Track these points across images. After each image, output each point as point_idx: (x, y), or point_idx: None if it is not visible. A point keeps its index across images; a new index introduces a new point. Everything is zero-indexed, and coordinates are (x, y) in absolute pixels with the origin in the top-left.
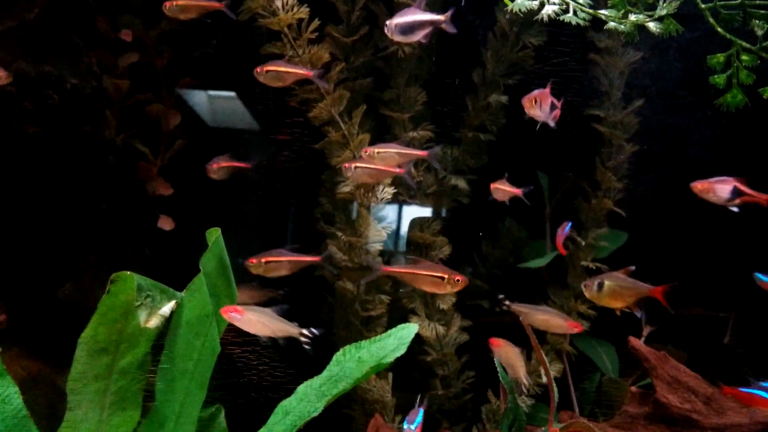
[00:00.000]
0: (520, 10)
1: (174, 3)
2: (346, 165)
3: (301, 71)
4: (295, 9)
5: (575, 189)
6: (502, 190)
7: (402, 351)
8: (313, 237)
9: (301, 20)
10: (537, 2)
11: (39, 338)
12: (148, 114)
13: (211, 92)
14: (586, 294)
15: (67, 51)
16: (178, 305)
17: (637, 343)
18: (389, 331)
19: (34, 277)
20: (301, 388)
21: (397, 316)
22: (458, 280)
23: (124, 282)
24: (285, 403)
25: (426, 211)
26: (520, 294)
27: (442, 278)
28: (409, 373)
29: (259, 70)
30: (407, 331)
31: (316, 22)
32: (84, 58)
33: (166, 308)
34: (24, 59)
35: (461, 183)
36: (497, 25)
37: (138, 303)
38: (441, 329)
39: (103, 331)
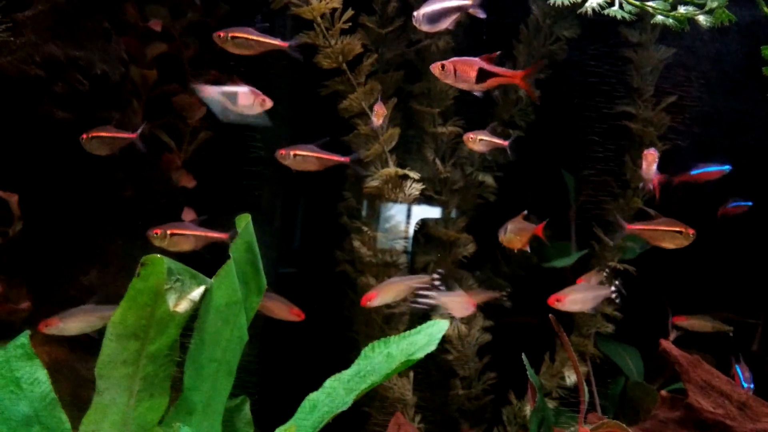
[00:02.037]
0: (560, 2)
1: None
2: (283, 151)
3: (274, 41)
4: None
5: (602, 188)
6: (485, 141)
7: (432, 348)
8: (336, 230)
9: (334, 10)
10: None
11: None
12: (174, 105)
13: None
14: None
15: (97, 37)
16: (208, 291)
17: (669, 345)
18: (419, 327)
19: (60, 264)
20: (328, 382)
21: (419, 313)
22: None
23: (154, 265)
24: (312, 397)
25: (434, 212)
26: (543, 294)
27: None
28: (429, 372)
29: (221, 34)
30: (437, 327)
31: (349, 12)
32: (114, 45)
33: (196, 293)
34: (54, 43)
35: (488, 179)
36: (530, 16)
37: (167, 286)
38: (463, 328)
39: (133, 315)
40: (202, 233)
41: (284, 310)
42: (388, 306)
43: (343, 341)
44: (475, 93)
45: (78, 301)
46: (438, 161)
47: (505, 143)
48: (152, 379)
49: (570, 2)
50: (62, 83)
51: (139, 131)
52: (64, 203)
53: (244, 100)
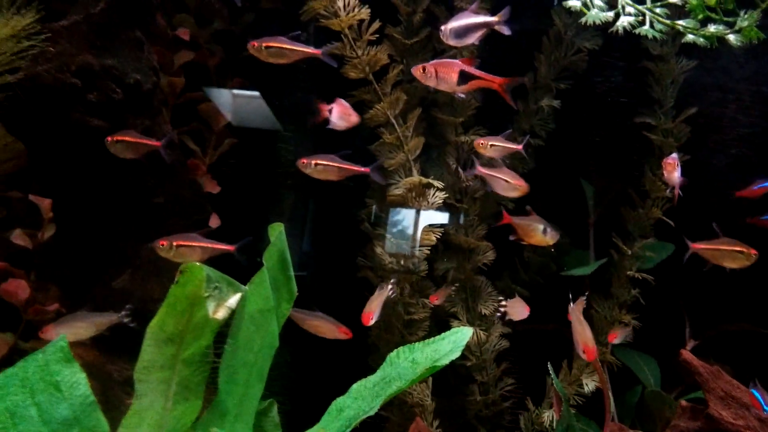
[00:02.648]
0: (592, 21)
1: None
2: (304, 161)
3: (308, 49)
4: (356, 10)
5: (621, 197)
6: (497, 146)
7: (456, 354)
8: (357, 237)
9: (361, 21)
10: (612, 14)
11: (129, 325)
12: (199, 112)
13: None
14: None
15: (130, 46)
16: (242, 298)
17: (689, 356)
18: (443, 334)
19: (92, 268)
20: (354, 386)
21: (438, 319)
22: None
23: (192, 272)
24: (339, 401)
25: (442, 217)
26: (562, 302)
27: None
28: (447, 377)
29: (255, 44)
30: (461, 334)
31: (376, 24)
32: (146, 54)
33: (233, 300)
34: (89, 52)
35: None
36: (552, 28)
37: (207, 294)
38: (482, 335)
39: (170, 321)
40: (209, 245)
41: (332, 330)
42: (408, 311)
43: (363, 346)
44: (458, 95)
45: (109, 305)
46: (460, 170)
47: (519, 147)
48: (187, 382)
49: (601, 21)
50: (96, 92)
51: (165, 140)
52: (97, 209)
53: (334, 114)
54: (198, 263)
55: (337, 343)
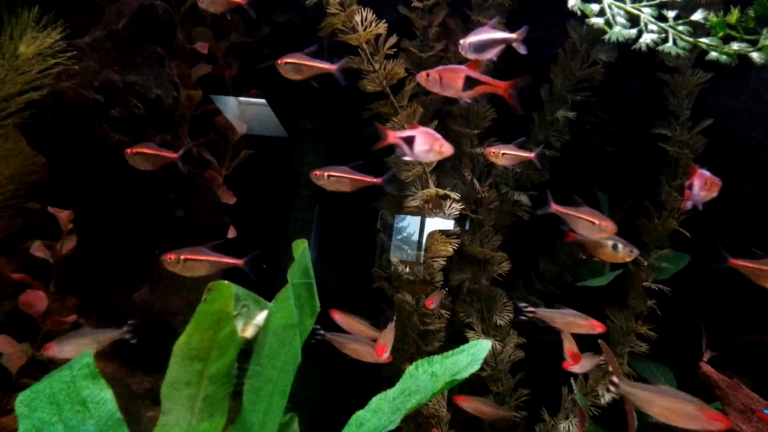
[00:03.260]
0: (615, 38)
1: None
2: (317, 172)
3: (324, 65)
4: (373, 25)
5: (637, 208)
6: (509, 155)
7: (475, 368)
8: (370, 248)
9: (378, 36)
10: (635, 31)
11: (131, 341)
12: (216, 124)
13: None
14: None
15: (151, 61)
16: (268, 314)
17: (709, 369)
18: (462, 347)
19: (113, 281)
20: (374, 400)
21: (453, 330)
22: None
23: (219, 291)
24: (359, 415)
25: (447, 224)
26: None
27: None
28: (462, 387)
29: (280, 62)
30: (480, 347)
31: (393, 39)
32: (167, 69)
33: (260, 318)
34: (112, 69)
35: (523, 198)
36: (568, 40)
37: (236, 312)
38: (497, 345)
39: (197, 338)
40: (217, 259)
41: (370, 353)
42: (423, 322)
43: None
44: (463, 101)
45: (128, 318)
46: (475, 181)
47: (531, 155)
48: (212, 399)
49: (624, 38)
50: (119, 107)
51: (181, 152)
52: (117, 222)
53: (423, 144)
54: (225, 281)
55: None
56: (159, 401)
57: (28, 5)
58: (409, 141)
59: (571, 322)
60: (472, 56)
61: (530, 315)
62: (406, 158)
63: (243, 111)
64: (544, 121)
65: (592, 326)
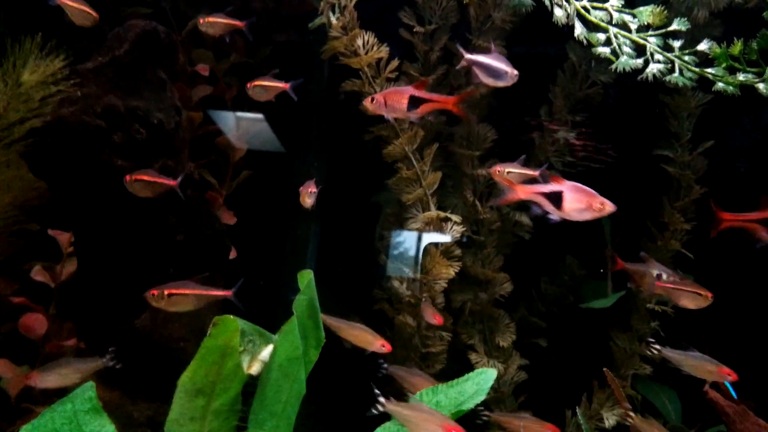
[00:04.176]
0: (621, 68)
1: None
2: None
3: (279, 84)
4: (375, 48)
5: (640, 229)
6: (514, 173)
7: (481, 397)
8: (372, 268)
9: (380, 59)
10: (641, 61)
11: (115, 368)
12: (217, 144)
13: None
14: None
15: (153, 86)
16: (273, 347)
17: (716, 395)
18: (467, 375)
19: (114, 306)
20: (379, 431)
21: (454, 351)
22: None
23: (224, 325)
24: None
25: (444, 238)
26: (580, 334)
27: None
28: None
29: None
30: (486, 376)
31: (394, 62)
32: (168, 93)
33: (266, 353)
34: (114, 94)
35: (524, 219)
36: (567, 61)
37: (241, 348)
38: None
39: (202, 372)
40: (203, 292)
41: (372, 342)
42: (425, 344)
43: (379, 379)
44: (411, 119)
45: (130, 344)
46: (477, 202)
47: (536, 173)
48: None
49: (631, 68)
50: (121, 132)
51: (180, 179)
52: (119, 247)
53: (576, 202)
54: (230, 315)
55: (353, 376)
56: (159, 429)
57: (31, 32)
58: (556, 198)
59: (699, 366)
60: (486, 81)
61: (656, 353)
62: (553, 217)
63: (241, 126)
64: (545, 142)
65: (722, 373)
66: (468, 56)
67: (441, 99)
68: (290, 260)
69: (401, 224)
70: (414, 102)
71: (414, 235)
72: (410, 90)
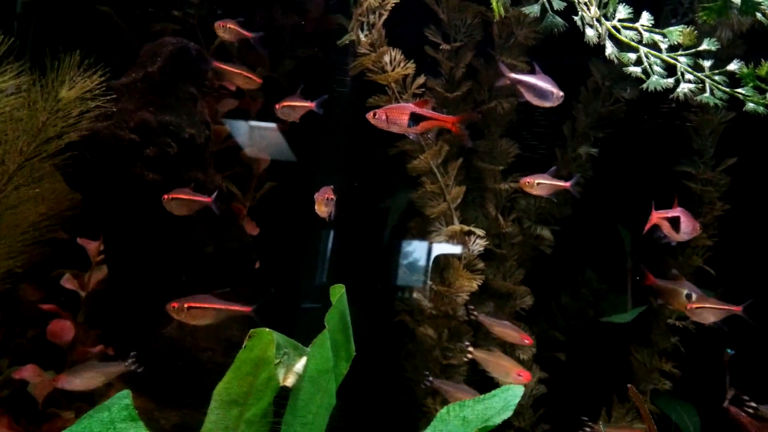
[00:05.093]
0: (652, 88)
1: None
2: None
3: (306, 103)
4: (402, 65)
5: (660, 244)
6: (544, 184)
7: (508, 413)
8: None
9: (406, 76)
10: (672, 80)
11: (144, 374)
12: (242, 157)
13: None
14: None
15: (184, 101)
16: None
17: (737, 412)
18: (494, 392)
19: (143, 315)
20: None
21: (475, 364)
22: None
23: (259, 337)
24: None
25: (455, 249)
26: (599, 348)
27: None
28: None
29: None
30: (512, 392)
31: (420, 79)
32: (198, 108)
33: (299, 365)
34: (147, 109)
35: (546, 233)
36: (590, 78)
37: (277, 361)
38: None
39: (236, 383)
40: (223, 306)
41: (516, 337)
42: (446, 356)
43: (399, 390)
44: (410, 136)
45: (158, 352)
46: (500, 216)
47: (567, 185)
48: None
49: (662, 88)
50: (153, 147)
51: (214, 195)
52: (150, 258)
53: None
54: (266, 329)
55: (373, 385)
56: None
57: (69, 49)
58: (674, 221)
59: (504, 332)
60: (536, 101)
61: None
62: (672, 240)
63: (263, 139)
64: (567, 156)
65: (523, 338)
66: (512, 75)
67: (441, 117)
68: (307, 269)
69: (423, 236)
70: (414, 119)
71: (426, 244)
72: (411, 107)
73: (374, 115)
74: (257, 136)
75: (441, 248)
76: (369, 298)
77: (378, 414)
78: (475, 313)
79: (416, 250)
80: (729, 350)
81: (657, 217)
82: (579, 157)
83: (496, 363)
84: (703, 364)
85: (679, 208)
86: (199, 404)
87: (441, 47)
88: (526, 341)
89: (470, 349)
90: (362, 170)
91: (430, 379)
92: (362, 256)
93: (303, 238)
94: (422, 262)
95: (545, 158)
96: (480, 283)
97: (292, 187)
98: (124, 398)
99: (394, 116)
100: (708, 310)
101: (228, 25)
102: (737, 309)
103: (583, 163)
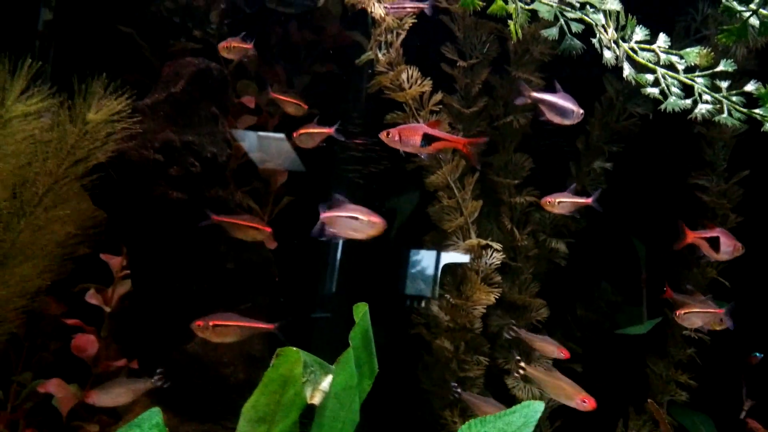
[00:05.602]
0: (671, 108)
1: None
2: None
3: (324, 130)
4: (419, 83)
5: (675, 256)
6: (566, 202)
7: (529, 430)
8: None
9: (423, 93)
10: (690, 101)
11: (168, 389)
12: (260, 172)
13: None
14: None
15: (207, 121)
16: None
17: (756, 425)
18: (514, 408)
19: (167, 331)
20: None
21: (492, 376)
22: None
23: (286, 356)
24: None
25: (462, 258)
26: (615, 360)
27: None
28: None
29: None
30: (533, 408)
31: (438, 96)
32: (220, 127)
33: (325, 383)
34: (170, 129)
35: (560, 245)
36: (605, 94)
37: (304, 379)
38: (536, 392)
39: (263, 401)
40: (247, 324)
41: (554, 351)
42: (462, 368)
43: (415, 402)
44: (422, 155)
45: (182, 368)
46: (515, 229)
47: (589, 201)
48: None
49: (680, 109)
50: (177, 166)
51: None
52: (173, 274)
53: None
54: (294, 348)
55: (390, 399)
56: None
57: (89, 68)
58: (713, 241)
59: (543, 347)
60: (557, 120)
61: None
62: (711, 258)
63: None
64: (582, 171)
65: (561, 352)
66: (534, 94)
67: (453, 139)
68: (322, 281)
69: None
70: (427, 139)
71: (434, 254)
72: (424, 128)
73: (387, 134)
74: (273, 150)
75: (451, 257)
76: (380, 310)
77: (395, 427)
78: (515, 329)
79: (424, 258)
80: (757, 354)
81: (693, 236)
82: (593, 171)
83: (555, 384)
84: (719, 375)
85: (717, 228)
86: (222, 418)
87: (458, 64)
88: (563, 354)
89: (522, 365)
90: (378, 184)
91: (459, 390)
92: (373, 267)
93: (316, 250)
94: (431, 270)
95: (559, 172)
96: (497, 297)
97: (303, 199)
98: (155, 416)
99: (407, 136)
100: (695, 315)
101: (232, 45)
102: (720, 311)
103: (596, 177)
